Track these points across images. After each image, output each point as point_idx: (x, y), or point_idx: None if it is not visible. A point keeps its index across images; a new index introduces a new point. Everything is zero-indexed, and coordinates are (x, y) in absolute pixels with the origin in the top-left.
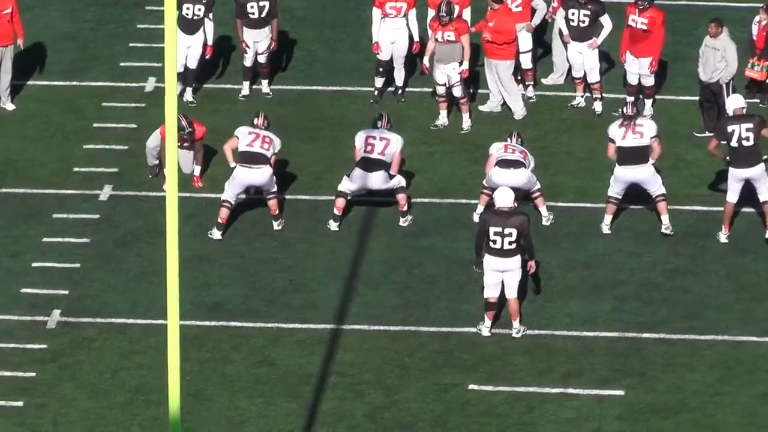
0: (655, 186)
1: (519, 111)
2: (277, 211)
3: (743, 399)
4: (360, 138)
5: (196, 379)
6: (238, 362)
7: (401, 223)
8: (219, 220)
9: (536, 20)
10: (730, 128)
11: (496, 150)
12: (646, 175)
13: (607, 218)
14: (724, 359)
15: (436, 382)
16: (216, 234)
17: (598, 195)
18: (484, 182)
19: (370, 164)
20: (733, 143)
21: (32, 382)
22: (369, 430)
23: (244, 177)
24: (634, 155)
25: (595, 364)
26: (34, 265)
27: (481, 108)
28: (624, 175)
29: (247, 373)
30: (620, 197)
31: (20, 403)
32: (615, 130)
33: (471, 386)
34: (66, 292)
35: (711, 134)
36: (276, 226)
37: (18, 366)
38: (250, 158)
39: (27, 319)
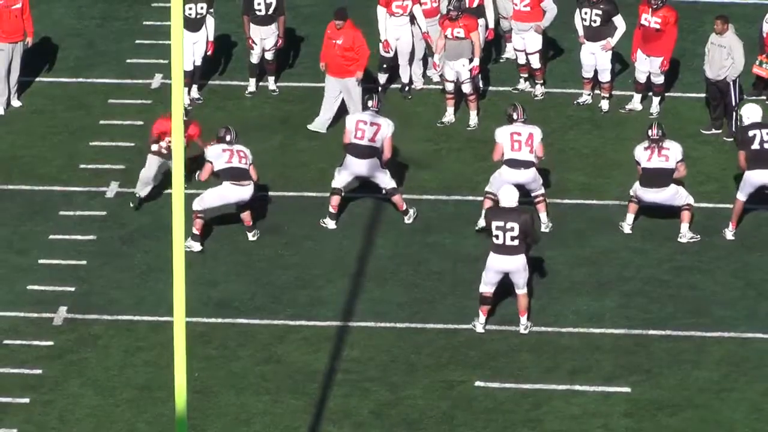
0: (681, 201)
1: None
2: (251, 223)
3: (749, 395)
4: (351, 121)
5: (203, 376)
6: (245, 359)
7: (406, 221)
8: (195, 231)
9: (546, 22)
10: (751, 133)
11: (502, 137)
12: (667, 196)
13: (629, 217)
14: (730, 356)
15: (442, 379)
16: (196, 246)
17: (604, 192)
18: (487, 188)
19: (360, 151)
20: (755, 146)
21: (39, 378)
22: (375, 426)
23: (232, 194)
24: (657, 178)
25: (602, 361)
26: (41, 261)
27: (309, 127)
28: (644, 196)
29: (254, 370)
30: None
31: (27, 400)
32: (640, 153)
33: (477, 383)
34: (72, 288)
35: (718, 132)
36: (251, 237)
37: (24, 363)
38: (239, 175)
39: (33, 315)
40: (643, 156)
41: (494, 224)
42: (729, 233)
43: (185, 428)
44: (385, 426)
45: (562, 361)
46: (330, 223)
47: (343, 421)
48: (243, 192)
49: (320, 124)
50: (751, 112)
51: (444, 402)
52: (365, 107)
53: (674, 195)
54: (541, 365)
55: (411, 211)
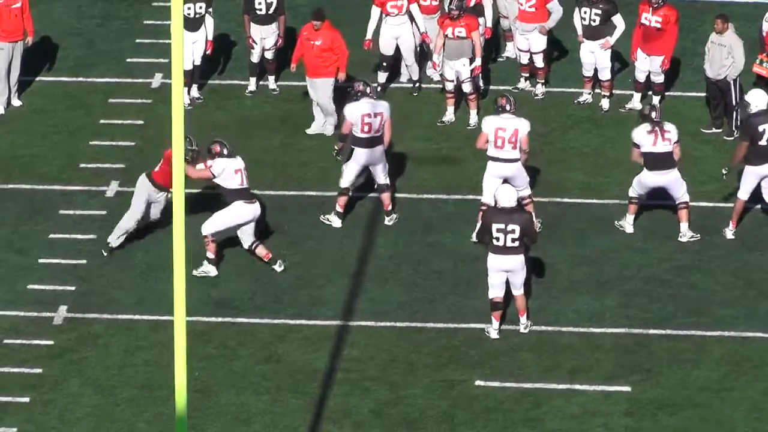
0: (680, 192)
1: (330, 129)
2: (270, 255)
3: (750, 394)
4: (355, 115)
5: (203, 376)
6: (245, 358)
7: (386, 221)
8: (210, 255)
9: (551, 23)
10: (761, 127)
11: (488, 127)
12: (672, 179)
13: (630, 217)
14: (730, 355)
15: (442, 378)
16: (213, 271)
17: (604, 191)
18: (482, 199)
19: (367, 142)
20: (762, 142)
21: (39, 378)
22: (375, 426)
23: (246, 213)
24: (663, 161)
25: (602, 360)
26: (41, 261)
27: (308, 131)
28: (653, 180)
29: (254, 369)
30: (642, 197)
31: (27, 399)
32: (643, 136)
33: (477, 382)
34: (72, 288)
35: (718, 131)
36: (278, 268)
37: (25, 362)
38: (249, 194)
39: (33, 315)
40: (647, 140)
41: (494, 226)
42: (729, 232)
43: (185, 427)
44: (386, 425)
45: (562, 360)
46: (335, 221)
47: (343, 420)
48: (256, 209)
49: (318, 127)
50: (758, 99)
51: (444, 401)
52: (363, 94)
53: (678, 179)
54: (542, 364)
55: (394, 215)
